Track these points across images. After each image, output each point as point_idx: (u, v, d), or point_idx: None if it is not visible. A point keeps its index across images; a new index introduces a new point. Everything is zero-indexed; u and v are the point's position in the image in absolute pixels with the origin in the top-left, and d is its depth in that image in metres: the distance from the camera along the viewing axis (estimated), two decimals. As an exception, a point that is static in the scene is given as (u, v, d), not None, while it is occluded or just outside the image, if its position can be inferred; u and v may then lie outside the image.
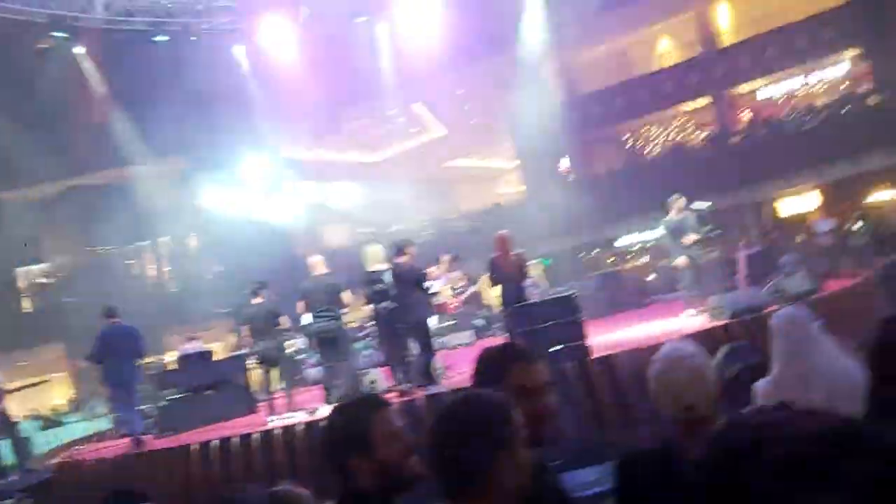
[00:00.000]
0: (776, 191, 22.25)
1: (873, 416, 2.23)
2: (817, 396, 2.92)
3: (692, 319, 9.95)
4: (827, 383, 2.93)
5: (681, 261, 10.50)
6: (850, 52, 24.00)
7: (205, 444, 8.44)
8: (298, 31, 20.48)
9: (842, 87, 24.32)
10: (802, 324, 3.17)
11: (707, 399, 2.25)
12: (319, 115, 24.28)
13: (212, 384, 11.06)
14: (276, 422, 8.67)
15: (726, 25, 26.60)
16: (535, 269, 18.68)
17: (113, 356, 9.32)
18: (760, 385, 3.23)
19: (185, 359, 12.25)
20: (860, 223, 19.38)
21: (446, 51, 21.53)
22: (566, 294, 9.77)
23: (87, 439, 12.95)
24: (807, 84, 26.07)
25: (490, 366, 2.09)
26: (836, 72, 25.43)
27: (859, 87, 23.52)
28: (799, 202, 23.18)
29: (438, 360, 9.00)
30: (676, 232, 10.57)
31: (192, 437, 9.14)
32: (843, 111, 21.53)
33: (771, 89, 26.40)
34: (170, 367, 13.82)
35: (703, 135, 26.82)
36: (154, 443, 9.73)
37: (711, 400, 2.27)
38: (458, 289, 16.00)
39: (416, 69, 22.20)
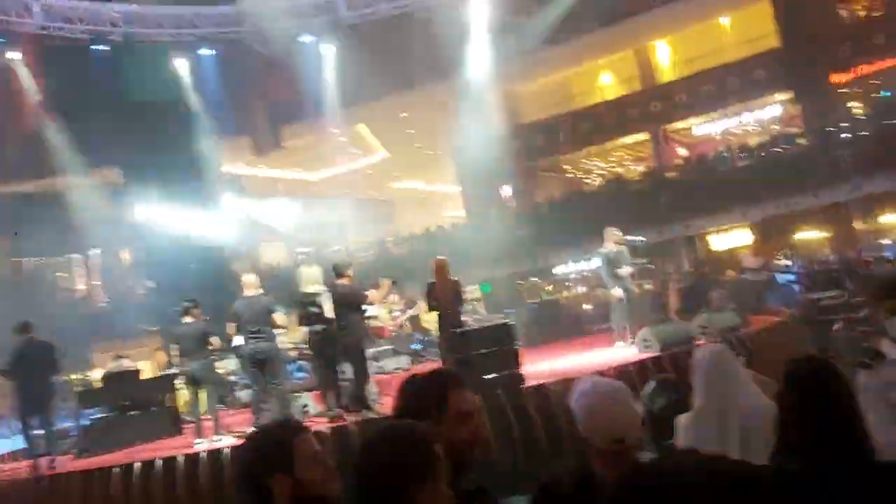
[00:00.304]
0: (708, 226, 22.89)
1: (782, 455, 2.31)
2: (734, 433, 3.00)
3: (623, 350, 10.12)
4: (743, 421, 3.02)
5: (616, 292, 10.70)
6: (782, 95, 25.01)
7: (126, 467, 8.18)
8: (242, 47, 20.32)
9: (773, 128, 25.29)
10: (723, 360, 3.26)
11: (634, 431, 2.30)
12: (261, 132, 24.07)
13: (138, 404, 10.74)
14: (203, 445, 8.46)
15: (665, 63, 27.46)
16: (473, 295, 18.79)
17: (26, 372, 8.98)
18: (682, 419, 3.31)
19: (110, 377, 11.88)
20: (788, 261, 20.07)
21: (392, 74, 21.65)
22: (503, 322, 9.86)
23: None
24: (740, 123, 27.05)
25: (428, 392, 2.08)
26: (768, 113, 26.47)
27: (789, 128, 24.49)
28: (730, 238, 23.89)
29: (373, 385, 8.94)
30: (612, 263, 10.77)
31: (114, 459, 8.84)
32: (773, 151, 22.34)
33: (706, 127, 27.30)
34: (95, 385, 13.38)
35: (641, 168, 27.51)
36: (72, 464, 9.38)
37: (638, 432, 2.33)
38: (395, 313, 15.98)
39: (361, 90, 22.24)
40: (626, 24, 23.59)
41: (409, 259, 23.82)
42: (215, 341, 9.08)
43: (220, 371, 11.03)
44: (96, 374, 16.06)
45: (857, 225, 19.89)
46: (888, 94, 23.09)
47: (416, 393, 2.10)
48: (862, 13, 24.17)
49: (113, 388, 11.25)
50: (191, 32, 19.66)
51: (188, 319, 9.00)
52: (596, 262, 11.13)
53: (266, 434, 2.01)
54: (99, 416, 10.71)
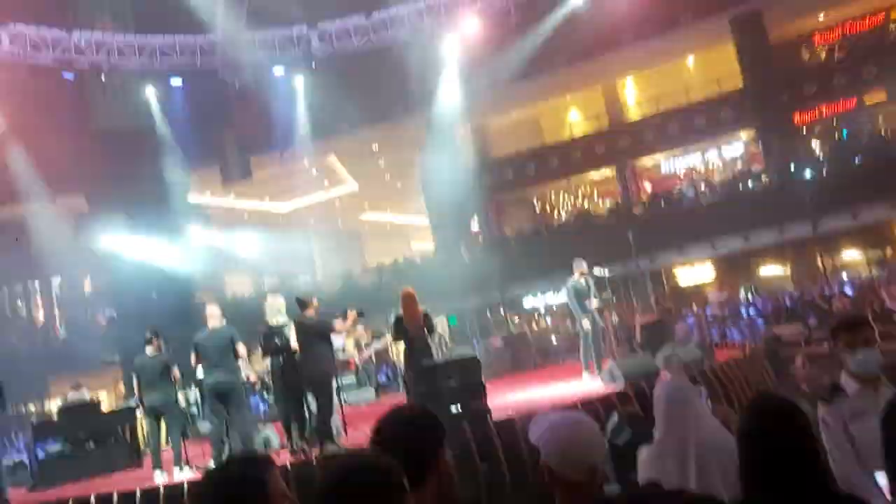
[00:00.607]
0: (673, 261, 23.20)
1: (744, 489, 2.32)
2: (692, 466, 3.01)
3: (589, 384, 10.14)
4: (701, 454, 3.03)
5: (584, 323, 10.73)
6: (745, 134, 25.59)
7: (82, 501, 7.96)
8: (212, 77, 20.28)
9: (736, 166, 25.82)
10: (682, 394, 3.28)
11: (602, 460, 2.32)
12: (230, 162, 23.94)
13: (96, 436, 10.49)
14: (162, 478, 8.28)
15: (632, 101, 27.97)
16: (440, 327, 18.72)
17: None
18: (643, 452, 3.31)
19: (68, 408, 11.60)
20: (749, 297, 20.39)
21: (363, 106, 21.74)
22: (469, 356, 9.84)
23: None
24: (705, 160, 27.60)
25: (419, 447, 2.01)
26: (731, 151, 27.06)
27: (752, 167, 25.03)
28: (695, 273, 24.22)
29: (337, 418, 8.83)
30: (579, 296, 10.82)
31: (69, 493, 8.59)
32: (737, 188, 22.78)
33: (672, 163, 27.80)
34: (52, 416, 13.05)
35: (608, 203, 27.85)
36: (25, 498, 9.10)
37: (602, 464, 2.34)
38: (362, 344, 15.87)
39: (332, 122, 22.28)
40: (595, 62, 24.02)
41: (377, 290, 23.76)
42: (177, 373, 8.94)
43: (181, 403, 10.84)
44: (54, 405, 15.70)
45: (819, 261, 20.28)
46: (846, 134, 23.75)
47: (407, 443, 2.02)
48: (824, 55, 24.91)
49: (70, 419, 10.97)
50: (161, 61, 19.58)
51: (150, 350, 8.85)
52: (564, 294, 11.15)
53: (238, 469, 1.92)
54: (55, 448, 10.43)
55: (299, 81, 21.63)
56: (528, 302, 25.55)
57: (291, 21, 20.19)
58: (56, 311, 26.51)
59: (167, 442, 8.90)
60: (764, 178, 22.64)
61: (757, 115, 23.33)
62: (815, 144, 24.78)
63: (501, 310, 23.80)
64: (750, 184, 22.97)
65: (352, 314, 8.42)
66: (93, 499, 7.91)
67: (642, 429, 3.78)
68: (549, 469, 2.29)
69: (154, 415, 8.87)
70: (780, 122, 23.28)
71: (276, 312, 8.46)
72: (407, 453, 1.90)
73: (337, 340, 9.83)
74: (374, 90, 21.56)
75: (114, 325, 21.59)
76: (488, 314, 25.19)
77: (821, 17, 23.97)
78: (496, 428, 7.81)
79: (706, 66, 25.60)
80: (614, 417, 5.38)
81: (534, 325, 26.31)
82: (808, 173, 21.29)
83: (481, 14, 19.59)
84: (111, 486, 8.52)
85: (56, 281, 26.55)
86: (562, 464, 2.26)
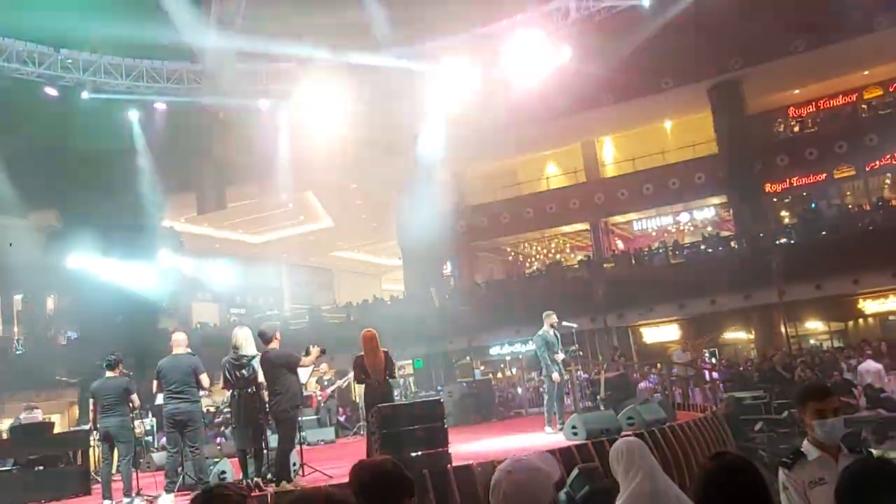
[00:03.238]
0: (641, 318, 23.38)
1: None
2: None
3: (551, 436, 10.13)
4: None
5: (554, 376, 10.72)
6: (717, 199, 26.10)
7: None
8: (196, 105, 20.33)
9: (707, 230, 26.29)
10: (639, 451, 3.32)
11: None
12: (206, 190, 23.86)
13: (45, 459, 10.21)
14: (111, 508, 8.07)
15: (609, 159, 28.47)
16: (405, 370, 18.61)
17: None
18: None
19: (18, 429, 11.31)
20: (713, 359, 20.59)
21: (344, 145, 21.85)
22: (432, 399, 9.81)
23: None
24: (677, 222, 28.07)
25: (390, 497, 2.09)
26: (703, 214, 27.59)
27: (723, 231, 25.49)
28: (660, 332, 24.42)
29: (295, 455, 8.71)
30: (549, 348, 10.83)
31: (13, 517, 8.36)
32: (707, 252, 23.15)
33: (645, 223, 28.24)
34: (1, 436, 12.70)
35: (579, 257, 28.14)
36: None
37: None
38: (325, 382, 15.72)
39: (312, 158, 22.34)
40: (576, 119, 24.46)
41: (345, 328, 23.62)
42: (135, 399, 8.78)
43: (137, 430, 10.62)
44: (5, 425, 15.30)
45: (783, 328, 20.57)
46: (815, 206, 24.32)
47: (382, 491, 2.11)
48: (797, 128, 25.64)
49: (20, 440, 10.68)
50: (147, 85, 19.62)
51: (110, 374, 8.70)
52: (532, 345, 11.16)
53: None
54: (2, 468, 10.13)
55: (283, 115, 21.72)
56: (495, 350, 25.53)
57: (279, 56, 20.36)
58: (15, 328, 25.96)
59: (120, 469, 8.69)
60: (733, 244, 23.05)
61: (730, 181, 23.84)
62: (785, 214, 25.36)
63: (468, 357, 23.75)
64: (717, 248, 23.35)
65: (315, 350, 8.37)
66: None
67: (601, 484, 3.81)
68: None
69: (108, 441, 8.68)
70: (751, 190, 23.81)
71: (244, 344, 8.37)
72: (383, 500, 1.96)
73: (302, 375, 9.73)
74: (356, 129, 21.68)
75: (74, 345, 21.18)
76: (454, 360, 25.12)
77: (797, 91, 24.73)
78: (455, 474, 7.77)
79: (683, 130, 26.20)
80: (575, 471, 5.40)
81: (499, 374, 26.25)
82: (775, 242, 21.71)
83: (469, 63, 19.92)
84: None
85: (18, 297, 26.05)
86: None
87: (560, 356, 10.91)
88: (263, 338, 8.26)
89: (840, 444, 3.33)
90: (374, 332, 9.02)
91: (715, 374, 18.44)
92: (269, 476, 8.04)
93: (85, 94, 18.78)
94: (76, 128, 18.50)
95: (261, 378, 8.21)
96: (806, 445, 3.37)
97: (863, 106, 24.79)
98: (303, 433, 11.27)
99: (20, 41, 17.66)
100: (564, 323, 11.39)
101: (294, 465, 8.55)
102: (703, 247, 23.83)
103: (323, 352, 8.47)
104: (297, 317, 29.69)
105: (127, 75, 19.38)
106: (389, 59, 20.13)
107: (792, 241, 21.66)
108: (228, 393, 8.60)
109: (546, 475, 2.42)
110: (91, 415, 9.02)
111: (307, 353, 8.35)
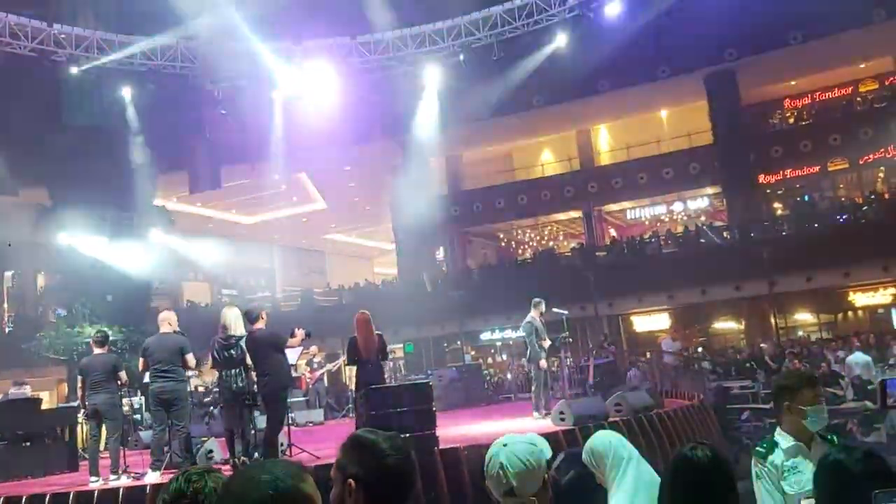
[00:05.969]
0: (632, 307, 23.45)
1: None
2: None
3: (538, 422, 10.18)
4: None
5: (542, 362, 10.75)
6: (711, 189, 26.13)
7: (12, 501, 7.72)
8: (190, 82, 20.17)
9: (699, 220, 26.33)
10: (616, 447, 3.28)
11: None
12: (199, 170, 23.69)
13: (33, 435, 10.20)
14: (98, 483, 8.08)
15: (604, 147, 28.45)
16: (395, 354, 18.62)
17: None
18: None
19: (6, 404, 11.29)
20: (701, 348, 20.68)
21: (339, 126, 21.72)
22: (422, 382, 9.83)
23: None
24: (670, 211, 28.11)
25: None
26: (696, 204, 27.64)
27: (714, 221, 25.54)
28: (651, 320, 24.51)
29: (282, 436, 8.72)
30: (538, 334, 10.84)
31: (1, 491, 8.34)
32: (699, 242, 23.19)
33: (638, 211, 28.28)
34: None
35: (572, 244, 28.16)
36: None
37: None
38: (314, 364, 15.73)
39: (306, 139, 22.23)
40: (571, 106, 24.40)
41: (337, 311, 23.62)
42: (123, 376, 8.76)
43: (125, 407, 10.61)
44: (-8, 401, 15.25)
45: (772, 319, 20.66)
46: (808, 198, 24.39)
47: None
48: (792, 120, 25.66)
49: (8, 415, 10.66)
50: (141, 62, 19.44)
51: (98, 351, 8.68)
52: (522, 331, 11.17)
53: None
54: (-12, 444, 10.12)
55: (279, 96, 21.56)
56: (486, 336, 25.60)
57: (279, 36, 20.19)
58: (5, 305, 25.87)
59: (108, 446, 8.69)
60: (725, 234, 23.09)
61: (724, 171, 23.85)
62: (778, 206, 25.42)
63: (458, 341, 23.79)
64: (710, 238, 23.36)
65: (300, 332, 8.38)
66: (24, 498, 7.68)
67: (586, 470, 3.80)
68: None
69: (96, 418, 8.67)
70: (745, 181, 23.84)
71: (234, 324, 8.35)
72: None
73: (291, 355, 9.73)
74: (352, 112, 21.56)
75: (63, 322, 21.07)
76: (445, 345, 25.17)
77: (793, 83, 24.72)
78: (441, 456, 7.81)
79: (679, 120, 26.18)
80: (561, 455, 5.40)
81: (489, 359, 26.34)
82: (767, 233, 21.76)
83: (464, 47, 19.82)
84: (44, 487, 8.29)
85: (8, 274, 25.94)
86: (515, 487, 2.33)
87: (546, 343, 10.93)
88: (249, 317, 8.25)
89: (814, 432, 3.35)
90: (367, 315, 9.03)
91: (704, 364, 18.53)
92: (256, 456, 8.05)
93: (75, 70, 18.57)
94: (68, 104, 18.33)
95: (249, 358, 8.20)
96: (779, 434, 3.39)
97: (858, 99, 24.82)
98: (292, 414, 11.29)
99: (12, 14, 17.45)
100: (555, 310, 11.40)
101: (282, 445, 8.56)
102: (695, 237, 23.81)
103: (308, 335, 8.47)
104: (288, 299, 29.68)
105: (121, 51, 19.18)
106: (386, 38, 20.04)
107: (784, 233, 21.72)
108: (216, 372, 8.60)
109: (540, 450, 2.45)
110: (79, 391, 9.00)
111: (292, 336, 8.36)
